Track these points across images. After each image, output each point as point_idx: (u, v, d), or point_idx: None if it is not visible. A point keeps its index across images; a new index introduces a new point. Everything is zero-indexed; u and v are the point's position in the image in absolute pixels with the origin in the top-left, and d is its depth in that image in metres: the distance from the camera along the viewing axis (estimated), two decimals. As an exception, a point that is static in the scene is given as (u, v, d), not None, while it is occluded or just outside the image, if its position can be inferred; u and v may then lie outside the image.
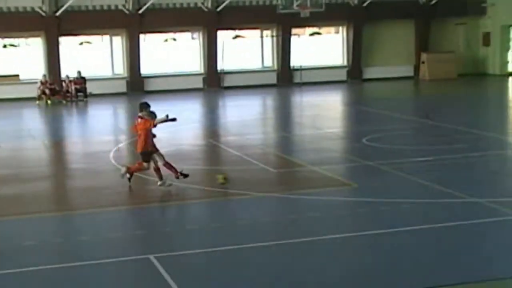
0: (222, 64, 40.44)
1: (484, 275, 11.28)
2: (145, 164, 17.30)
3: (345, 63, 42.70)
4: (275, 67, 41.62)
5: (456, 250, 12.52)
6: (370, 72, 42.42)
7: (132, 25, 38.77)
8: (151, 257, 12.19)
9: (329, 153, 21.96)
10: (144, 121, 17.05)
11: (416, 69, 42.68)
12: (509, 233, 13.64)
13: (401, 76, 42.14)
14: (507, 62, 42.68)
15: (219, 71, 40.25)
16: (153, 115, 17.22)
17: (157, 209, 16.45)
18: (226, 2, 39.00)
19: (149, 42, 41.75)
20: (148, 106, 17.33)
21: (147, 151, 17.16)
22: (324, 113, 31.68)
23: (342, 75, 41.99)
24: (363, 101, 34.94)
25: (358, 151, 21.72)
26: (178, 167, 17.43)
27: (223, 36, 40.97)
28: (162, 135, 20.58)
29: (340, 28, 43.06)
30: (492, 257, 12.14)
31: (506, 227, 13.86)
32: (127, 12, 38.43)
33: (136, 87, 38.83)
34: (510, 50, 42.63)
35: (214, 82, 40.10)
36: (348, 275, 11.61)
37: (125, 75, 40.07)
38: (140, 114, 17.37)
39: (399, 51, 42.88)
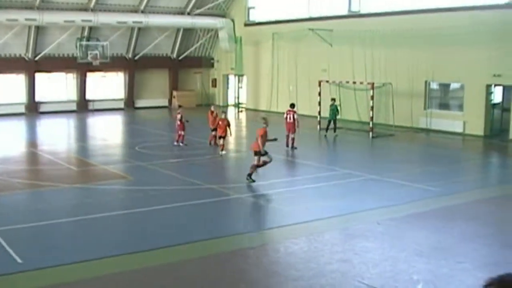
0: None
1: (224, 232, 11.91)
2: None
3: (123, 96, 42.23)
4: (76, 98, 40.16)
5: (203, 217, 13.10)
6: (140, 103, 42.32)
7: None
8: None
9: (113, 157, 21.86)
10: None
11: (169, 101, 43.27)
12: (231, 205, 14.49)
13: (160, 105, 42.49)
14: (227, 97, 44.51)
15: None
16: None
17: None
18: (42, 54, 37.16)
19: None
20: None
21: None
22: (110, 130, 31.26)
23: (121, 104, 41.51)
24: (136, 122, 34.89)
25: (134, 155, 21.74)
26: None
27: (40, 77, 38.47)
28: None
29: (120, 73, 42.43)
30: (226, 220, 12.94)
31: (230, 202, 14.71)
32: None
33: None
34: (228, 89, 44.53)
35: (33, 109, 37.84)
36: (131, 235, 11.93)
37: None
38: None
39: (159, 89, 43.23)
